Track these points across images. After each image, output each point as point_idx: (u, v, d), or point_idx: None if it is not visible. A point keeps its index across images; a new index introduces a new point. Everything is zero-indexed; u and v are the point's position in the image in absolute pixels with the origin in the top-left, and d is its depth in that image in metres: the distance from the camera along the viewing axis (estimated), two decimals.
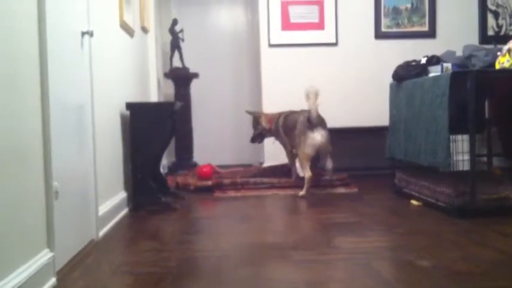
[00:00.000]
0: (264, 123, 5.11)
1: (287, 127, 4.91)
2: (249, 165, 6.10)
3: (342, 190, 4.75)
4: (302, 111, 4.75)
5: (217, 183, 4.90)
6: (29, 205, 2.14)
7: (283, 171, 5.19)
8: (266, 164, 5.67)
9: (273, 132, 5.12)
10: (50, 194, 2.34)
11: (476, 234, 3.09)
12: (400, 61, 4.53)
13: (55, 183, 2.40)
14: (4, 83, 1.93)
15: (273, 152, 5.58)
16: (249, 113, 5.32)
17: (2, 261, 1.87)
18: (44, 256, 2.24)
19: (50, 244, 2.33)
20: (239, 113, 6.83)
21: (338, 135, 5.23)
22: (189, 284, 2.33)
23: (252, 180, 5.01)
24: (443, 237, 3.04)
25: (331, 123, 5.25)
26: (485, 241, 2.93)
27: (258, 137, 5.23)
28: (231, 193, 4.73)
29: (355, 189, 4.73)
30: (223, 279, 2.37)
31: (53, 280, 2.29)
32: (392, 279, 2.35)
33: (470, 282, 2.24)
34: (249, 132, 6.38)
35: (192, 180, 5.06)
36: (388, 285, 2.26)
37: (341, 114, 5.64)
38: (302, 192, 4.56)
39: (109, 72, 3.64)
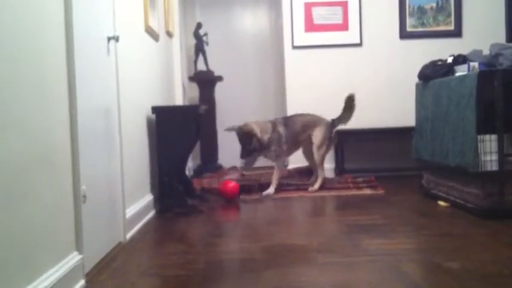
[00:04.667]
0: (262, 134, 4.78)
1: (293, 131, 4.94)
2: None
3: (368, 192, 4.71)
4: (306, 115, 5.01)
5: (243, 187, 4.90)
6: (57, 209, 2.17)
7: (308, 173, 5.17)
8: (291, 166, 5.66)
9: (265, 145, 4.82)
10: (78, 197, 2.38)
11: (505, 235, 3.04)
12: (425, 61, 4.48)
13: (83, 187, 2.43)
14: (33, 89, 1.97)
15: (297, 154, 5.58)
16: (231, 129, 4.91)
17: (32, 264, 1.90)
18: (73, 259, 2.27)
19: (79, 247, 2.36)
20: (263, 115, 6.83)
21: (364, 136, 5.22)
22: (216, 287, 2.34)
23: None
24: (472, 239, 2.99)
25: (357, 124, 5.23)
26: None
27: (251, 151, 4.83)
28: (256, 195, 4.72)
29: (382, 191, 4.69)
30: (250, 282, 2.37)
31: (82, 282, 2.32)
32: (420, 281, 2.32)
33: (500, 285, 2.21)
34: None
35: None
36: (416, 287, 2.24)
37: (366, 115, 5.59)
38: (316, 187, 4.80)
39: (135, 76, 3.67)
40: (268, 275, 2.46)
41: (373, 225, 3.46)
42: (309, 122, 4.96)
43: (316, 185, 4.80)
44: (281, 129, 4.91)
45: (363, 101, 5.31)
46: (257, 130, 4.82)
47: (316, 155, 4.91)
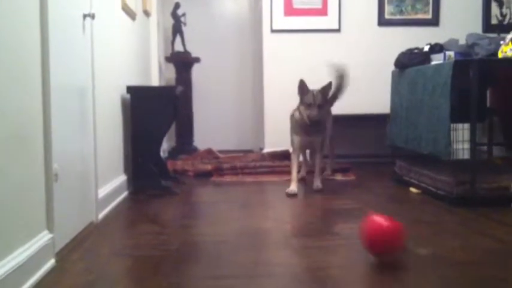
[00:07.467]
0: None
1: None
2: (250, 151, 6.10)
3: (340, 177, 4.73)
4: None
5: (217, 168, 4.89)
6: (28, 187, 2.14)
7: (282, 157, 5.18)
8: (266, 150, 5.66)
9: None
10: (49, 176, 2.34)
11: (475, 223, 3.09)
12: (403, 48, 4.51)
13: (55, 166, 2.39)
14: (4, 66, 1.92)
15: (273, 138, 5.60)
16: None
17: (1, 242, 1.87)
18: (43, 237, 2.24)
19: (50, 226, 2.33)
20: (240, 98, 6.83)
21: (340, 122, 5.22)
22: (188, 268, 2.33)
23: (252, 164, 5.01)
24: (442, 226, 3.04)
25: (333, 110, 5.24)
26: (484, 230, 2.93)
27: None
28: (228, 178, 4.71)
29: (353, 177, 4.72)
30: (223, 264, 2.37)
31: (52, 261, 2.29)
32: (390, 266, 2.35)
33: (468, 271, 2.24)
34: (250, 117, 6.42)
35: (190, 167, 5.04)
36: (387, 272, 2.26)
37: (343, 101, 5.60)
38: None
39: (110, 55, 3.62)
40: (242, 257, 2.46)
41: (346, 209, 3.49)
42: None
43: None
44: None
45: None
46: None
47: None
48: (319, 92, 4.02)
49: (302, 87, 4.04)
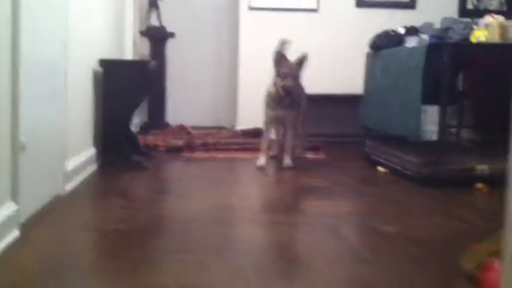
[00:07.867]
0: None
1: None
2: (222, 128, 6.10)
3: (311, 156, 4.74)
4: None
5: (189, 144, 4.87)
6: None
7: (255, 135, 5.17)
8: (239, 127, 5.65)
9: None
10: (16, 147, 2.30)
11: (441, 203, 3.15)
12: (380, 30, 4.50)
13: (22, 137, 2.35)
14: None
15: (246, 116, 5.58)
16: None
17: None
18: (8, 208, 2.21)
19: (15, 197, 2.29)
20: (215, 75, 6.78)
21: (315, 101, 5.24)
22: (156, 242, 2.33)
23: (223, 141, 4.99)
24: (409, 205, 3.09)
25: (309, 89, 5.25)
26: (449, 210, 2.98)
27: None
28: (199, 154, 4.70)
29: (323, 155, 4.74)
30: (191, 238, 2.37)
31: (16, 233, 2.26)
32: (355, 242, 2.39)
33: (428, 247, 2.29)
34: (224, 95, 6.37)
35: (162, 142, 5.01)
36: (352, 248, 2.30)
37: (319, 80, 5.61)
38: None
39: (84, 27, 3.54)
40: (210, 232, 2.46)
41: (315, 187, 3.52)
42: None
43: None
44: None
45: (316, 66, 5.32)
46: None
47: None
48: (295, 64, 4.01)
49: (279, 58, 4.00)
